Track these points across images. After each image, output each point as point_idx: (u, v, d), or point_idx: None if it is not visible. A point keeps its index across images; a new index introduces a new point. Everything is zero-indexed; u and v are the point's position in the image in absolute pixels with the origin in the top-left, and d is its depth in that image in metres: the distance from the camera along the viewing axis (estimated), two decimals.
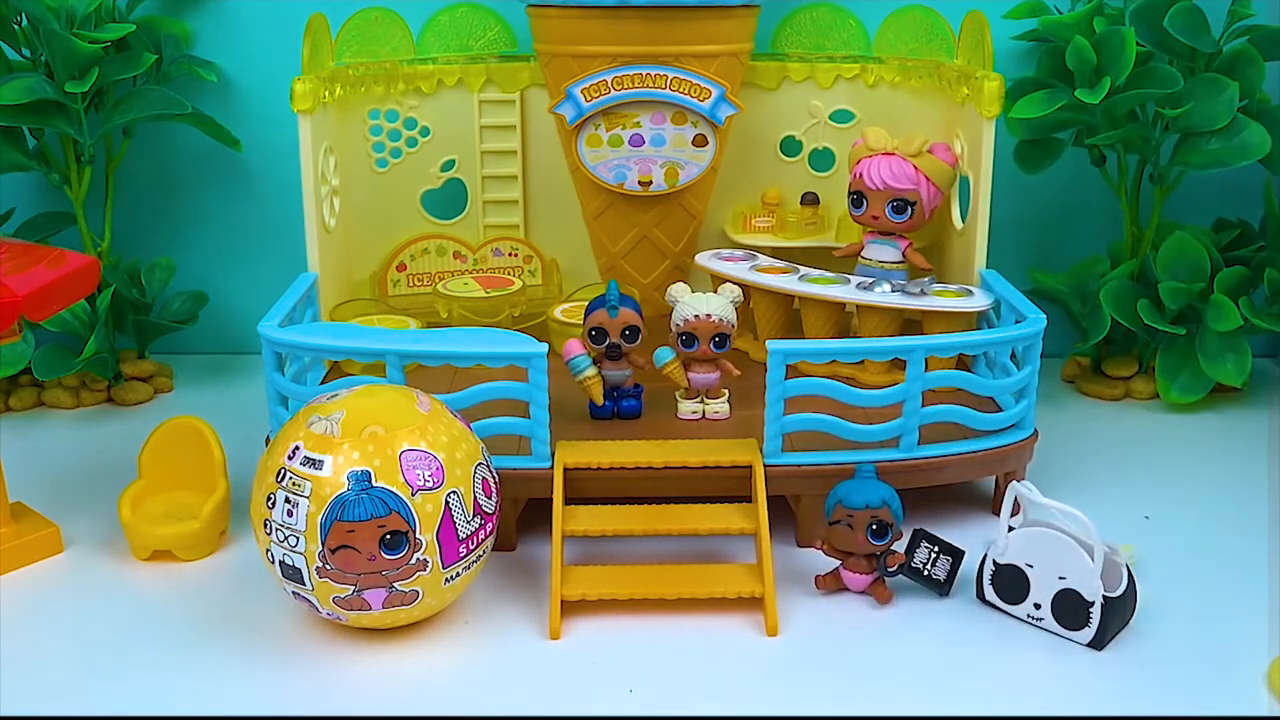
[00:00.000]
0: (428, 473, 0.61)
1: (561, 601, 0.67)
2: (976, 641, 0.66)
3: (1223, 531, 0.79)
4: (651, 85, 0.92)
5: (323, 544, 0.60)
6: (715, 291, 0.81)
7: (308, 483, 0.60)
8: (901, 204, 0.88)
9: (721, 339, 0.79)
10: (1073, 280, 1.04)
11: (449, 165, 1.04)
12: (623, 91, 0.92)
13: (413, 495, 0.60)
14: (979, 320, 0.86)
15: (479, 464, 0.65)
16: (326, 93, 0.90)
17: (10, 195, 1.05)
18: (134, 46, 0.99)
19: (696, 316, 0.78)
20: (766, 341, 0.73)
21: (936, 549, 0.70)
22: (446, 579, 0.63)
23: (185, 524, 0.74)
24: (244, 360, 1.11)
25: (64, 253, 0.75)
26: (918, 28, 1.00)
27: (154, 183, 1.09)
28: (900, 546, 0.70)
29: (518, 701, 0.61)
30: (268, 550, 0.63)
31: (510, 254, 1.05)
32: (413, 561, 0.61)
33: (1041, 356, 0.79)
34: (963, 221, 0.93)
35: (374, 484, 0.60)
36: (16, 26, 0.94)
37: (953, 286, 0.87)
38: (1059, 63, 0.96)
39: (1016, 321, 0.80)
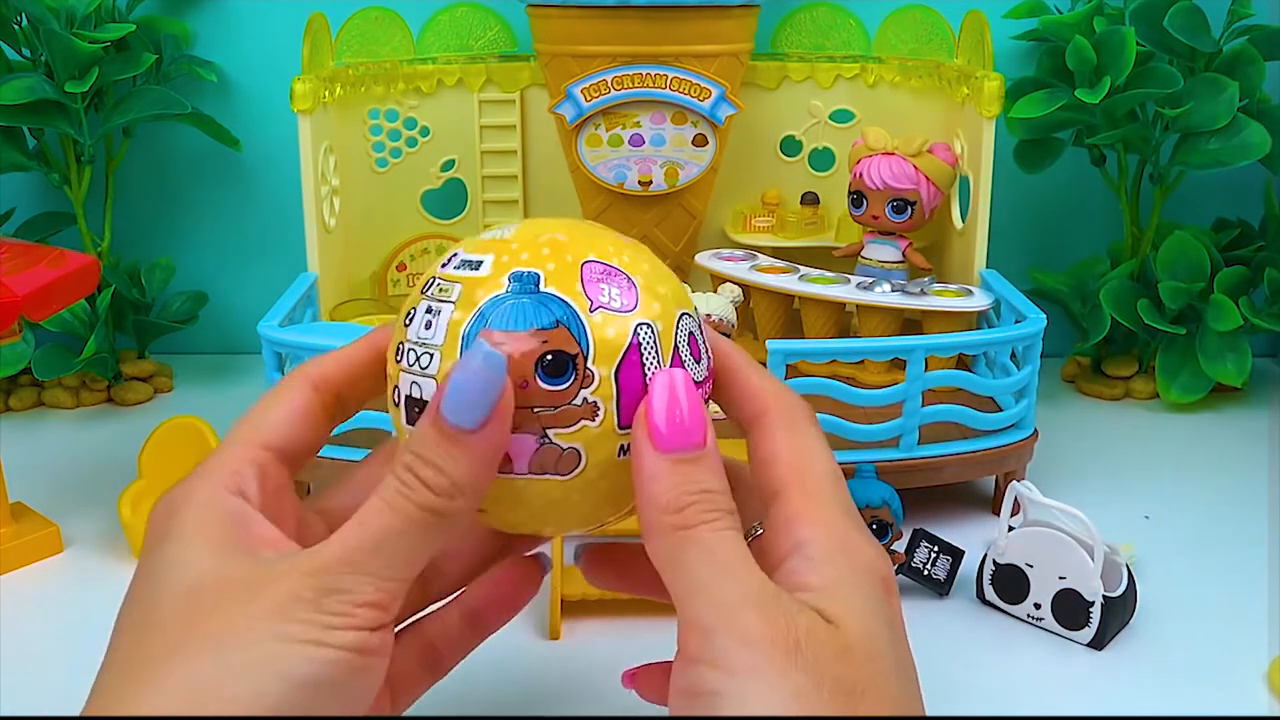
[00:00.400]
0: (615, 290, 0.43)
1: (561, 601, 0.67)
2: (976, 641, 0.66)
3: (1222, 531, 0.79)
4: (651, 85, 0.92)
5: None
6: (715, 291, 0.81)
7: (457, 285, 0.43)
8: (901, 204, 0.88)
9: None
10: (1073, 280, 1.04)
11: (449, 165, 1.04)
12: (623, 91, 0.92)
13: (590, 311, 0.42)
14: (979, 320, 0.86)
15: (687, 315, 0.45)
16: (326, 93, 0.90)
17: (10, 195, 1.05)
18: (134, 46, 0.99)
19: None
20: (766, 341, 0.73)
21: (936, 549, 0.70)
22: (621, 448, 0.43)
23: None
24: (244, 360, 1.11)
25: (64, 253, 0.75)
26: (918, 28, 1.00)
27: (154, 183, 1.09)
28: (900, 546, 0.70)
29: (518, 701, 0.61)
30: (394, 389, 0.44)
31: None
32: (577, 401, 0.42)
33: (1041, 356, 0.79)
34: (963, 221, 0.93)
35: (542, 288, 0.42)
36: (16, 26, 0.94)
37: (953, 286, 0.87)
38: (1059, 63, 0.96)
39: (1016, 321, 0.80)
